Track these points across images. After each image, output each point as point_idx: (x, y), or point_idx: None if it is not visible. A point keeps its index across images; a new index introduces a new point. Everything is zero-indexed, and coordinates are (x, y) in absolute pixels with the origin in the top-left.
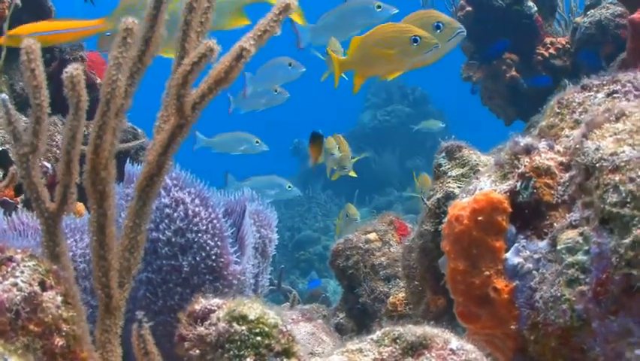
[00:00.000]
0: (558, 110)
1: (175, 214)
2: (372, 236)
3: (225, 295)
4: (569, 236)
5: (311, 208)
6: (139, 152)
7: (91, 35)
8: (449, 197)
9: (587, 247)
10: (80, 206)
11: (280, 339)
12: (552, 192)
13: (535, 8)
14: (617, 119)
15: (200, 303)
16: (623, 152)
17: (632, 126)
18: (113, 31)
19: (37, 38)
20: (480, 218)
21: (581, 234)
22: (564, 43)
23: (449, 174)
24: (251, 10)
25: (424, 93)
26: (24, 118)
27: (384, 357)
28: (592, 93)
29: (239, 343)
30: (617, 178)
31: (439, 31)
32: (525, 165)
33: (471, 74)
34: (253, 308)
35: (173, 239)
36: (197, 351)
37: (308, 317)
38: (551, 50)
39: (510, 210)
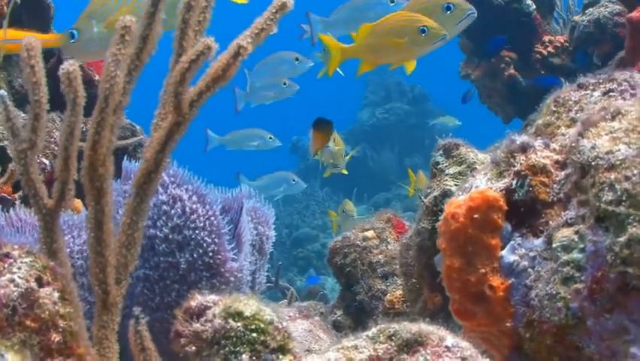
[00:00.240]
0: (554, 109)
1: (172, 211)
2: (370, 234)
3: (222, 292)
4: (565, 234)
5: (309, 206)
6: (137, 149)
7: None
8: (446, 195)
9: (582, 245)
10: (78, 203)
11: (276, 336)
12: (548, 190)
13: (534, 6)
14: (613, 118)
15: (196, 299)
16: (619, 150)
17: (628, 125)
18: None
19: None
20: (476, 216)
21: (577, 232)
22: (563, 41)
23: (446, 171)
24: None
25: (422, 91)
26: (22, 115)
27: (380, 354)
28: (588, 92)
29: (234, 339)
30: (612, 177)
31: (449, 12)
32: (521, 163)
33: (469, 72)
34: (249, 305)
35: (171, 236)
36: (193, 348)
37: (305, 315)
38: (550, 49)
39: (506, 208)
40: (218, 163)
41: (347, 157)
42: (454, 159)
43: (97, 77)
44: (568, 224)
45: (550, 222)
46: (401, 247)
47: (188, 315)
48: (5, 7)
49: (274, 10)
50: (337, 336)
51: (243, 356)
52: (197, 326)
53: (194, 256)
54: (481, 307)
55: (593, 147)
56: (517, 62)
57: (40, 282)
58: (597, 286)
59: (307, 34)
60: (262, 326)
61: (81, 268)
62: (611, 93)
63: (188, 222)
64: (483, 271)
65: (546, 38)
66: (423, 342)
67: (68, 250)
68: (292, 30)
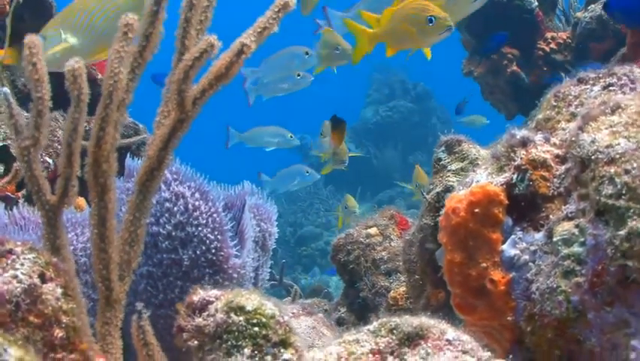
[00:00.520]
0: (554, 103)
1: (175, 208)
2: (373, 231)
3: (225, 288)
4: (565, 228)
5: (313, 204)
6: (140, 147)
7: None
8: (449, 191)
9: (582, 239)
10: (81, 201)
11: (277, 330)
12: (548, 184)
13: (536, 3)
14: (613, 112)
15: (199, 294)
16: (619, 144)
17: (628, 119)
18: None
19: None
20: (477, 210)
21: (577, 226)
22: (565, 38)
23: (449, 167)
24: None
25: (426, 89)
26: (26, 114)
27: (381, 348)
28: (588, 86)
29: (236, 333)
30: (612, 170)
31: None
32: (521, 158)
33: (472, 69)
34: (251, 299)
35: (174, 233)
36: (196, 342)
37: (309, 311)
38: (552, 45)
39: (506, 202)
40: (218, 163)
41: (351, 154)
42: (457, 155)
43: (100, 76)
44: (568, 218)
45: (551, 216)
46: (404, 243)
47: (191, 310)
48: (8, 7)
49: (276, 10)
50: (340, 333)
51: (245, 350)
52: (199, 320)
53: (197, 252)
54: (483, 301)
55: (592, 141)
56: (519, 58)
57: (43, 278)
58: (598, 279)
59: (322, 29)
60: (264, 320)
61: (84, 265)
62: (610, 87)
63: (190, 219)
64: (484, 265)
65: (548, 35)
66: (424, 336)
67: (72, 247)
68: (290, 27)
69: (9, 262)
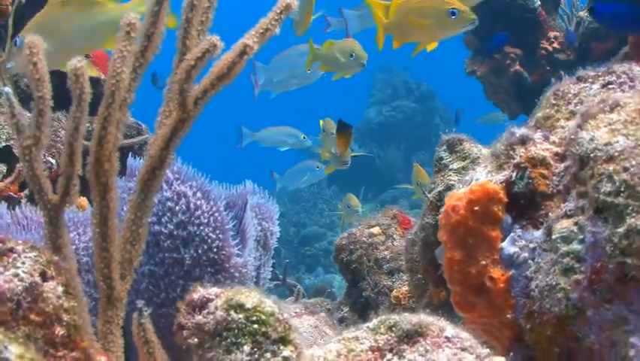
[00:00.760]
0: (554, 102)
1: (177, 207)
2: (376, 230)
3: (226, 287)
4: (564, 225)
5: (317, 204)
6: (142, 147)
7: None
8: (450, 190)
9: (581, 236)
10: (83, 200)
11: (277, 327)
12: (547, 182)
13: (539, 2)
14: (612, 110)
15: (199, 292)
16: (617, 142)
17: (627, 117)
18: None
19: None
20: (476, 208)
21: (576, 223)
22: None
23: (450, 167)
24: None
25: (429, 88)
26: (28, 114)
27: (380, 345)
28: (587, 84)
29: (236, 331)
30: (611, 168)
31: None
32: (520, 156)
33: (475, 69)
34: (250, 297)
35: (175, 232)
36: (196, 340)
37: (311, 310)
38: (555, 45)
39: (506, 200)
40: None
41: (354, 153)
42: (458, 154)
43: (102, 76)
44: (567, 215)
45: (550, 213)
46: (406, 242)
47: (191, 307)
48: (10, 7)
49: (279, 11)
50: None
51: (245, 347)
52: (199, 318)
53: (199, 251)
54: (482, 298)
55: (591, 139)
56: (522, 58)
57: (44, 276)
58: (597, 276)
59: (331, 27)
60: (263, 317)
61: (86, 265)
62: (610, 86)
63: (192, 219)
64: (483, 263)
65: (551, 34)
66: (423, 333)
67: (73, 246)
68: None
69: (10, 260)
